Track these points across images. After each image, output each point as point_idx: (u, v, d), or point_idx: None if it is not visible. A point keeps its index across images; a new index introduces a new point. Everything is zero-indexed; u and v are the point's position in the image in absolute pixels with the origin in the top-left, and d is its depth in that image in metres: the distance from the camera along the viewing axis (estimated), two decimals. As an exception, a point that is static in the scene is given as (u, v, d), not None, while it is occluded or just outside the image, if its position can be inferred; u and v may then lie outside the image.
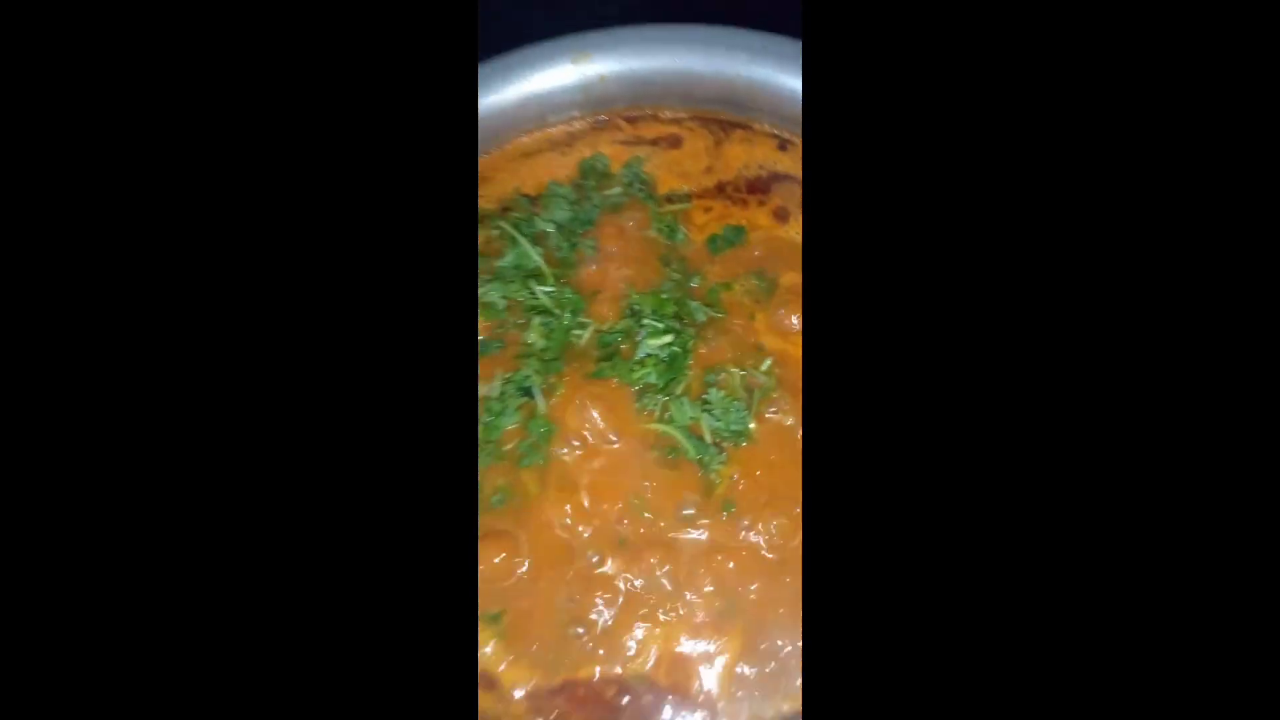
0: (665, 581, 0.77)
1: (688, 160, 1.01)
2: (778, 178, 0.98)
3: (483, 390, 0.86)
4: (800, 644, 0.73)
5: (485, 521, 0.81)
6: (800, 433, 0.82)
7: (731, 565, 0.77)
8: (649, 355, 0.87)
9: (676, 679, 0.74)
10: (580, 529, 0.80)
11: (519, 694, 0.74)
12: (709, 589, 0.76)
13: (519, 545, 0.80)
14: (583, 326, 0.90)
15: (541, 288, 0.92)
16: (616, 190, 0.99)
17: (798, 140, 0.99)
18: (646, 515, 0.80)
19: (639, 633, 0.75)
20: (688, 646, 0.75)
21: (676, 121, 1.03)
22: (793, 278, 0.91)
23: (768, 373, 0.85)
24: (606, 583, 0.77)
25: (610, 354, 0.88)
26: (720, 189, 0.98)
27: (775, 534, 0.77)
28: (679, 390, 0.85)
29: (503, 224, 0.96)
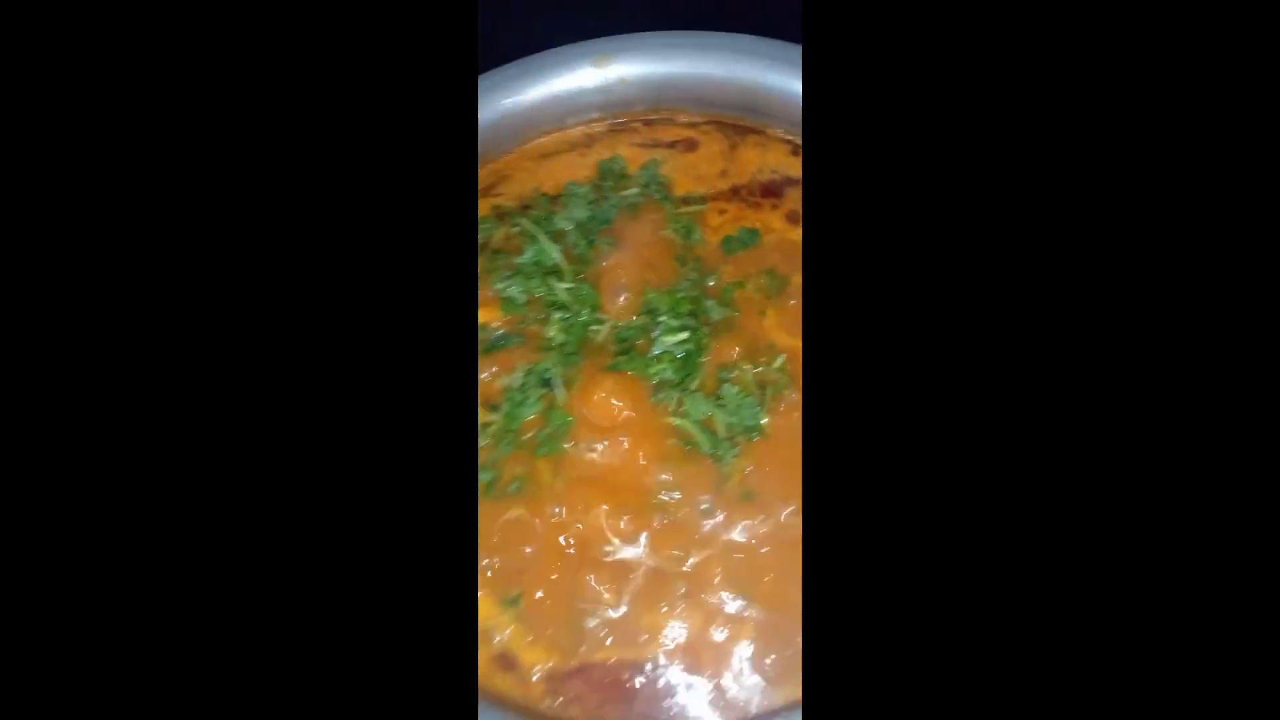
0: (680, 569, 0.79)
1: (703, 163, 1.03)
2: (790, 182, 1.01)
3: (504, 381, 0.88)
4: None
5: (502, 508, 0.83)
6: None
7: (745, 555, 0.79)
8: (664, 352, 0.89)
9: (691, 664, 0.76)
10: (596, 516, 0.82)
11: (537, 675, 0.76)
12: (723, 577, 0.78)
13: (535, 532, 0.82)
14: (600, 322, 0.92)
15: (560, 284, 0.94)
16: (634, 191, 1.01)
17: (811, 146, 1.02)
18: (662, 503, 0.82)
19: (654, 619, 0.77)
20: (702, 633, 0.77)
21: (693, 126, 1.06)
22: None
23: (780, 369, 0.88)
24: (622, 570, 0.79)
25: (627, 349, 0.90)
26: (735, 192, 1.01)
27: (789, 524, 0.79)
28: (694, 386, 0.87)
29: (523, 221, 0.99)
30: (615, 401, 0.86)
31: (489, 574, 0.80)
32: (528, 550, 0.81)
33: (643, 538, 0.81)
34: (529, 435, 0.86)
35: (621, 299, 0.93)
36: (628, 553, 0.80)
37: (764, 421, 0.85)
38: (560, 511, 0.82)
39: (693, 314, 0.91)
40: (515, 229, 0.99)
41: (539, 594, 0.79)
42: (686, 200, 1.01)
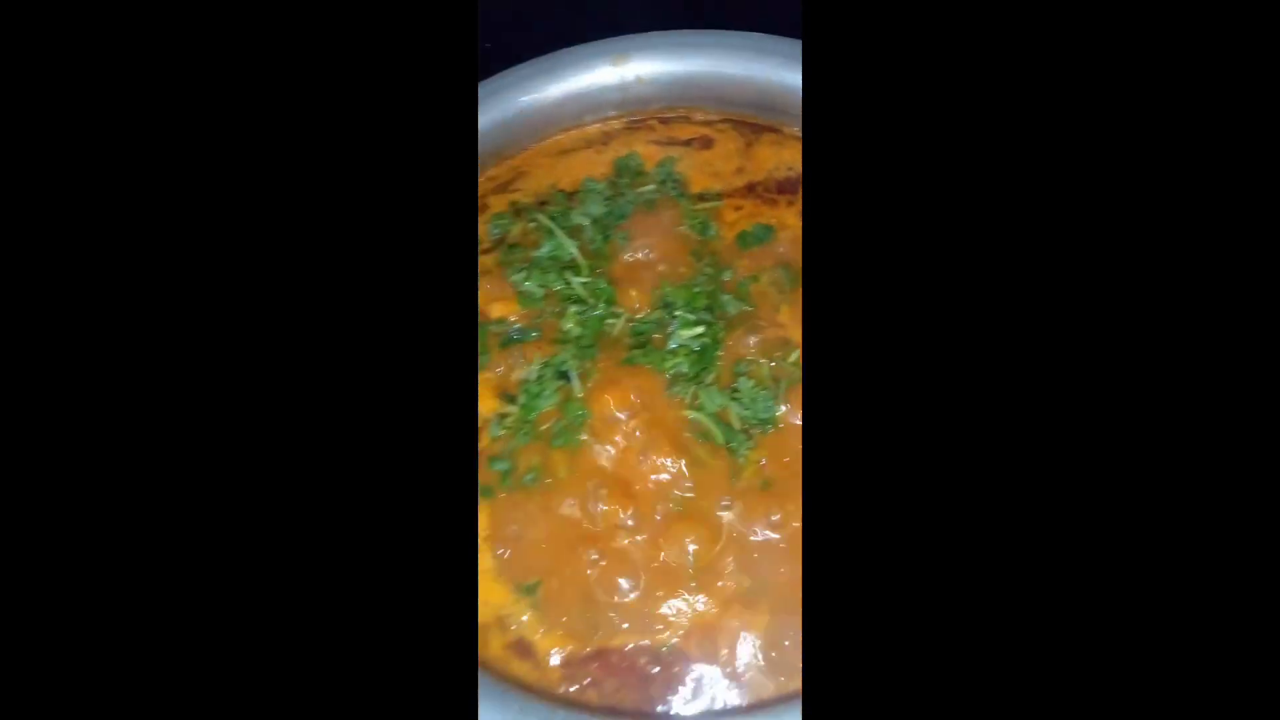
0: (694, 559, 0.80)
1: (719, 161, 1.04)
2: (806, 180, 1.02)
3: (522, 373, 0.89)
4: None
5: (518, 498, 0.84)
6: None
7: (759, 545, 0.80)
8: (680, 346, 0.90)
9: (706, 651, 0.76)
10: (611, 506, 0.82)
11: (554, 661, 0.77)
12: (737, 567, 0.79)
13: (551, 521, 0.82)
14: (615, 316, 0.93)
15: (576, 278, 0.95)
16: (650, 188, 1.02)
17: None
18: (676, 494, 0.83)
19: (669, 607, 0.78)
20: (717, 621, 0.77)
21: (709, 124, 1.07)
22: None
23: (795, 364, 0.88)
24: (637, 558, 0.80)
25: (643, 343, 0.91)
26: (750, 189, 1.02)
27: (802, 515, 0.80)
28: (709, 380, 0.88)
29: (539, 216, 1.00)
30: (630, 393, 0.87)
31: (504, 561, 0.81)
32: (543, 539, 0.82)
33: (657, 527, 0.81)
34: (545, 427, 0.87)
35: (637, 293, 0.94)
36: (642, 542, 0.81)
37: (779, 414, 0.86)
38: (575, 502, 0.83)
39: (708, 308, 0.92)
40: (532, 224, 1.00)
41: (555, 581, 0.80)
42: (703, 197, 1.02)
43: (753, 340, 0.90)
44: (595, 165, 1.06)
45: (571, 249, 0.97)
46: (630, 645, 0.77)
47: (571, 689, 0.75)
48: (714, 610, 0.78)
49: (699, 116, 1.07)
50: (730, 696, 0.75)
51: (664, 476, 0.84)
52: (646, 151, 1.06)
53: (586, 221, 1.00)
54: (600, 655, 0.77)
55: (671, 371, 0.88)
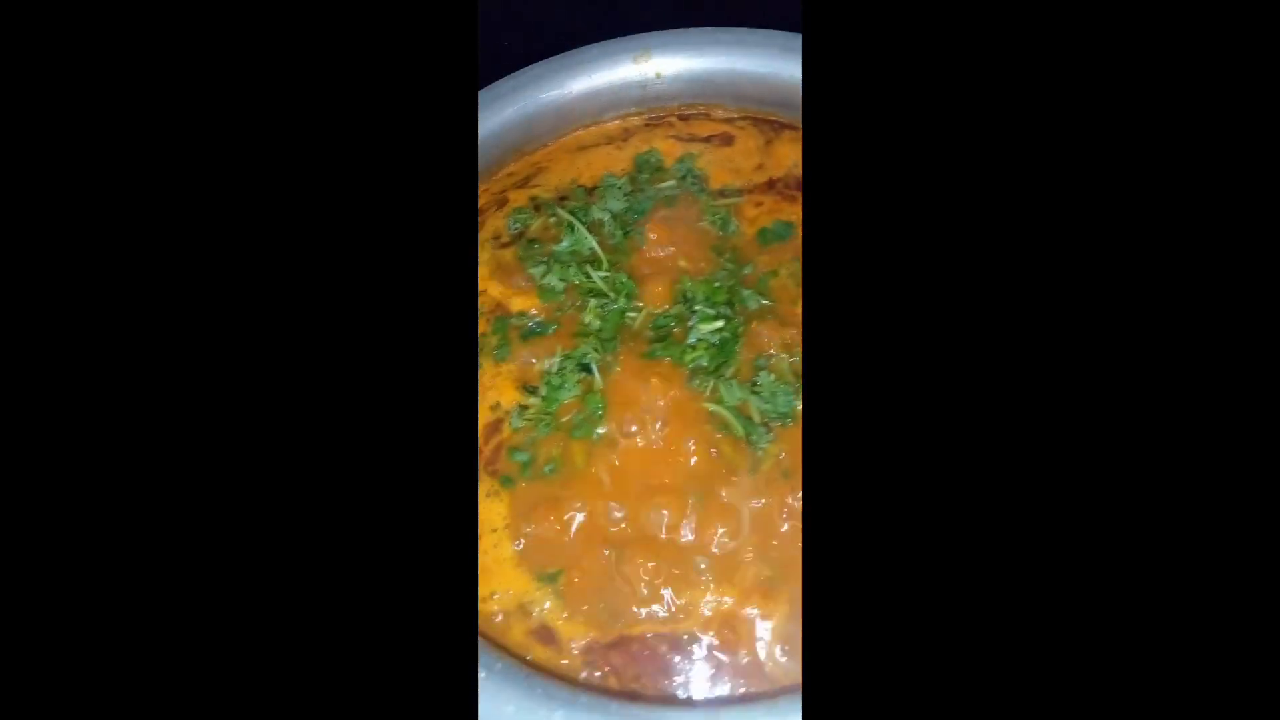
0: (715, 548, 0.80)
1: (739, 157, 1.05)
2: (825, 177, 1.02)
3: (543, 365, 0.90)
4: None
5: (538, 488, 0.85)
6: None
7: (778, 535, 0.80)
8: (700, 340, 0.90)
9: (726, 639, 0.77)
10: (631, 497, 0.83)
11: (576, 648, 0.77)
12: (757, 557, 0.80)
13: (571, 511, 0.83)
14: (636, 310, 0.94)
15: (597, 272, 0.96)
16: (670, 184, 1.03)
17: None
18: (696, 487, 0.83)
19: (689, 596, 0.78)
20: (736, 610, 0.78)
21: (729, 121, 1.08)
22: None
23: (815, 358, 0.89)
24: (657, 548, 0.80)
25: (663, 336, 0.92)
26: (771, 185, 1.02)
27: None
28: (729, 373, 0.89)
29: (560, 211, 1.01)
30: (651, 386, 0.87)
31: (524, 550, 0.82)
32: (563, 530, 0.83)
33: (677, 518, 0.82)
34: (566, 419, 0.88)
35: (657, 288, 0.95)
36: (662, 532, 0.81)
37: (799, 407, 0.86)
38: (596, 491, 0.84)
39: (729, 303, 0.93)
40: (552, 219, 1.01)
41: (575, 571, 0.81)
42: (723, 193, 1.03)
43: (772, 335, 0.90)
44: (615, 161, 1.07)
45: (592, 243, 0.97)
46: (651, 633, 0.77)
47: (595, 675, 0.76)
48: (734, 599, 0.78)
49: (719, 113, 1.08)
50: (750, 684, 0.75)
51: (683, 468, 0.84)
52: (666, 148, 1.07)
53: (606, 217, 1.00)
54: (621, 643, 0.77)
55: (691, 365, 0.89)
